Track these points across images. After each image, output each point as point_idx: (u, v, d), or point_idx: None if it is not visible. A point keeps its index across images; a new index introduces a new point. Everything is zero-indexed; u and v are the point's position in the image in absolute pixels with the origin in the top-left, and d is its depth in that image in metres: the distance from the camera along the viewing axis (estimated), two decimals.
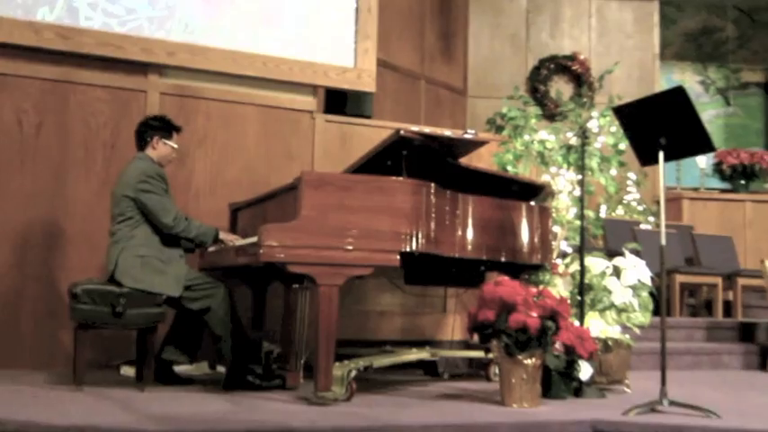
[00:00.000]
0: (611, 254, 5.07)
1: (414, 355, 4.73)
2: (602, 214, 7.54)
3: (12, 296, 4.95)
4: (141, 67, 5.40)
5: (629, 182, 8.03)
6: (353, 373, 3.90)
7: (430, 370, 5.12)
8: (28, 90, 5.10)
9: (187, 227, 4.30)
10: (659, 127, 3.82)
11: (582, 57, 9.53)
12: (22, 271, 4.98)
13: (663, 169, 3.87)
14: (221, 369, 4.66)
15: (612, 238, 6.97)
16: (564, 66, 9.56)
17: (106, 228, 4.44)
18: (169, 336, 4.52)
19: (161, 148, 4.47)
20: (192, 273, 4.36)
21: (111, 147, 5.25)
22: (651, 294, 4.70)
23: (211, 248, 4.58)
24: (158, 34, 5.44)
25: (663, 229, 3.87)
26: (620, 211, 8.04)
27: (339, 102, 6.44)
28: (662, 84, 9.81)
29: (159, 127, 4.48)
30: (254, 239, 3.83)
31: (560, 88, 9.00)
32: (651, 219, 7.94)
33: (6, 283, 4.94)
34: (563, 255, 5.54)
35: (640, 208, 8.06)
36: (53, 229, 5.08)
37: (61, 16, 5.20)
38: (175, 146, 4.53)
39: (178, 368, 4.52)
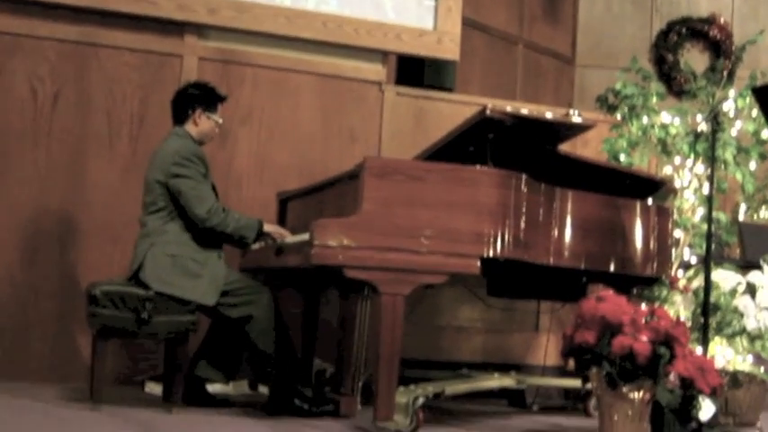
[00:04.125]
0: (747, 266, 5.03)
1: (496, 381, 4.79)
2: (741, 217, 7.43)
3: (21, 297, 5.15)
4: (177, 27, 5.53)
5: None
6: (421, 401, 3.96)
7: (516, 400, 5.19)
8: (44, 54, 5.28)
9: (224, 220, 4.35)
10: None
11: (722, 20, 9.39)
12: (33, 267, 5.19)
13: None
14: (263, 390, 4.80)
15: (752, 247, 6.85)
16: (699, 31, 9.38)
17: (131, 217, 4.63)
18: (202, 348, 4.64)
19: (203, 124, 4.55)
20: (232, 274, 4.48)
21: (139, 121, 5.43)
22: None
23: (255, 246, 4.62)
24: None
25: None
26: (765, 213, 7.88)
27: (414, 71, 6.46)
28: None
29: (202, 97, 4.55)
30: (305, 237, 3.92)
31: (692, 59, 8.88)
32: None
33: (15, 281, 5.15)
34: (685, 266, 5.50)
35: None
36: (70, 218, 5.27)
37: None
38: (220, 120, 4.63)
39: (212, 387, 4.64)
